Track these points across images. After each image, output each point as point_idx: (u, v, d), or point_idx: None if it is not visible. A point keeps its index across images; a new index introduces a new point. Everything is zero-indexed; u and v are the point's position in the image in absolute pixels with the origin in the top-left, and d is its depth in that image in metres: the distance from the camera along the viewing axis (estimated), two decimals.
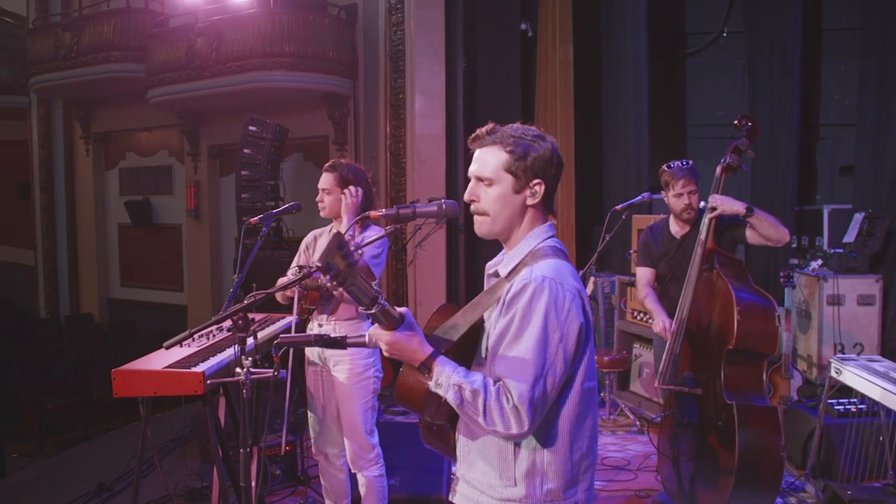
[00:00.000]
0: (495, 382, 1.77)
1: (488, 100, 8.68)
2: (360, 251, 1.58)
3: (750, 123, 3.89)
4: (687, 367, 3.85)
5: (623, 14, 7.82)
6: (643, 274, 4.28)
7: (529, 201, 1.89)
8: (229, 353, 3.28)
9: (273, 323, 4.08)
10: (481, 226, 1.93)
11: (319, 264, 1.50)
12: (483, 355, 1.91)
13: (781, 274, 5.30)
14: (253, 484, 3.62)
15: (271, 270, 7.27)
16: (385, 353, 1.81)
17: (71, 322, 12.69)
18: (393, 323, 1.77)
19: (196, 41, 9.86)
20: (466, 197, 1.93)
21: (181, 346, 3.47)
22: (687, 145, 8.60)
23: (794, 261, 6.74)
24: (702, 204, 4.04)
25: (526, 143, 1.88)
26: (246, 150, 8.32)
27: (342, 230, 3.54)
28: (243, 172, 8.34)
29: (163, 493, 4.65)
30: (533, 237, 1.91)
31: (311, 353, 3.72)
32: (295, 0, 9.72)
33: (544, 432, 1.83)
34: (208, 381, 2.70)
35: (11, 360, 9.86)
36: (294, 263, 3.73)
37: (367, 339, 1.86)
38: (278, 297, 3.51)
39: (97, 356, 10.10)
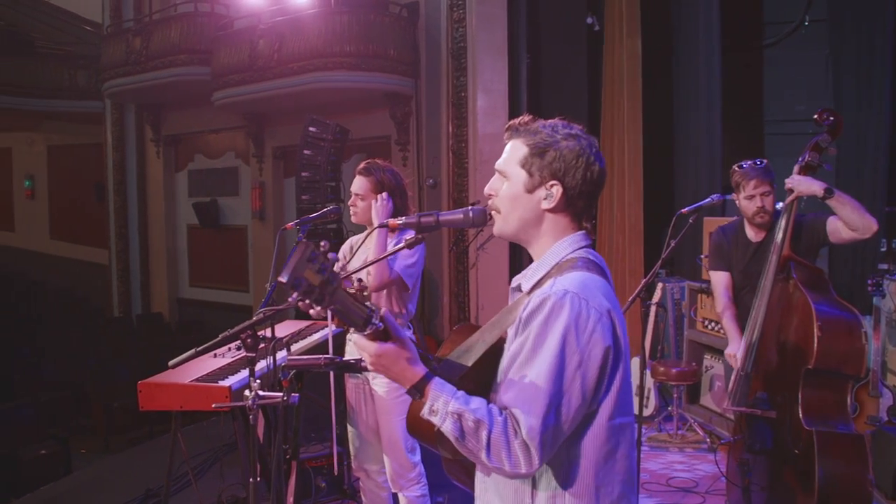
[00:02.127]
0: (501, 411, 1.52)
1: (553, 97, 8.40)
2: (356, 277, 1.35)
3: (832, 118, 3.51)
4: (760, 387, 3.50)
5: (695, 4, 7.41)
6: (719, 280, 3.88)
7: (545, 205, 1.65)
8: (261, 365, 3.11)
9: (315, 332, 3.92)
10: (495, 224, 1.72)
11: (283, 280, 1.26)
12: (498, 381, 1.65)
13: (869, 281, 4.86)
14: (290, 500, 3.47)
15: None
16: (370, 368, 1.56)
17: (142, 321, 12.95)
18: (384, 336, 1.52)
19: (258, 43, 9.87)
20: (486, 190, 1.72)
21: (214, 356, 3.34)
22: (764, 142, 8.14)
23: (884, 266, 6.22)
24: (778, 205, 3.68)
25: (551, 140, 1.64)
26: (306, 152, 8.25)
27: (365, 237, 3.37)
28: (304, 174, 8.27)
29: (209, 500, 4.55)
30: (562, 247, 1.67)
31: None
32: None
33: (564, 472, 1.59)
34: (214, 405, 2.52)
35: (84, 358, 10.07)
36: None
37: (361, 354, 1.63)
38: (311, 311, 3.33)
39: (164, 356, 10.19)
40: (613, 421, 1.58)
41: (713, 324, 6.04)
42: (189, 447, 4.34)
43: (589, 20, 8.31)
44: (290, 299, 1.25)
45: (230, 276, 12.75)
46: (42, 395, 8.49)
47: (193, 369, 3.09)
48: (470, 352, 1.65)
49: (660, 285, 6.34)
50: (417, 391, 1.53)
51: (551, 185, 1.64)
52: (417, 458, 3.45)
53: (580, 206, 1.68)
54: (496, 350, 1.66)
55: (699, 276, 6.30)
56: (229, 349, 3.42)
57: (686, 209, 3.94)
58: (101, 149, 14.15)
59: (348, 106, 10.03)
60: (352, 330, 3.29)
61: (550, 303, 1.52)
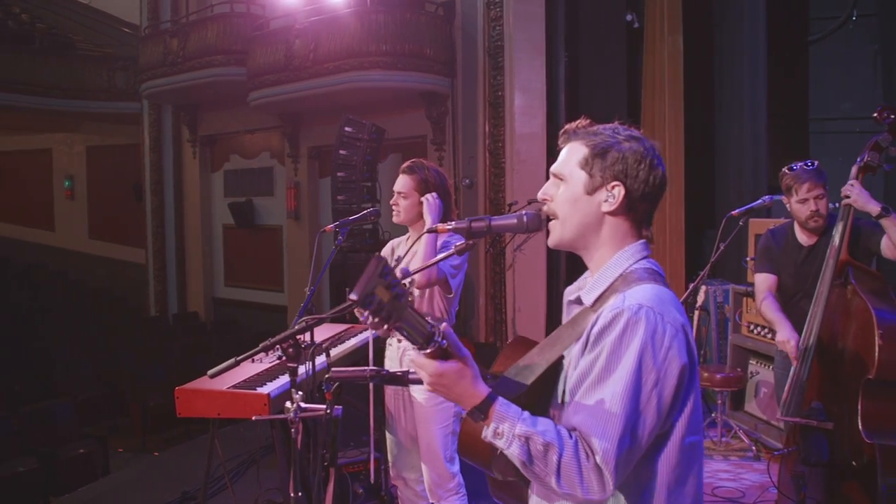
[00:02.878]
0: (571, 433, 1.43)
1: (591, 96, 8.28)
2: (407, 280, 1.25)
3: (893, 115, 3.35)
4: (815, 396, 3.35)
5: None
6: (763, 280, 3.75)
7: (605, 207, 1.57)
8: (300, 372, 3.04)
9: (353, 336, 3.85)
10: (552, 232, 1.63)
11: (354, 297, 1.18)
12: (559, 400, 1.57)
13: None
14: None
15: None
16: (428, 389, 1.45)
17: (178, 321, 13.03)
18: (444, 354, 1.42)
19: (294, 43, 9.86)
20: (539, 195, 1.63)
21: (252, 361, 3.28)
22: (809, 141, 7.93)
23: None
24: (832, 205, 3.53)
25: (612, 141, 1.57)
26: (342, 152, 8.22)
27: (412, 240, 3.29)
28: (339, 174, 8.24)
29: None
30: (624, 257, 1.58)
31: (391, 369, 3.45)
32: None
33: (634, 496, 1.50)
34: (254, 417, 2.45)
35: (122, 357, 10.15)
36: None
37: (418, 373, 1.54)
38: (356, 312, 3.24)
39: (199, 356, 10.26)
40: (685, 440, 1.50)
41: (758, 328, 5.86)
42: (225, 449, 4.29)
43: (628, 17, 8.17)
44: (361, 318, 1.17)
45: (265, 276, 12.78)
46: (80, 394, 8.55)
47: (230, 375, 3.02)
48: (529, 369, 1.55)
49: (703, 288, 6.19)
50: (480, 413, 1.43)
51: (613, 187, 1.56)
52: (456, 467, 3.36)
53: (641, 211, 1.59)
54: (556, 367, 1.57)
55: (744, 278, 6.12)
56: (267, 355, 3.35)
57: (737, 211, 3.82)
58: (138, 149, 14.28)
59: (384, 105, 9.98)
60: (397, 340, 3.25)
61: (625, 318, 1.44)
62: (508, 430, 1.41)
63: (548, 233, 1.66)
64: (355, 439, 4.93)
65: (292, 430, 1.80)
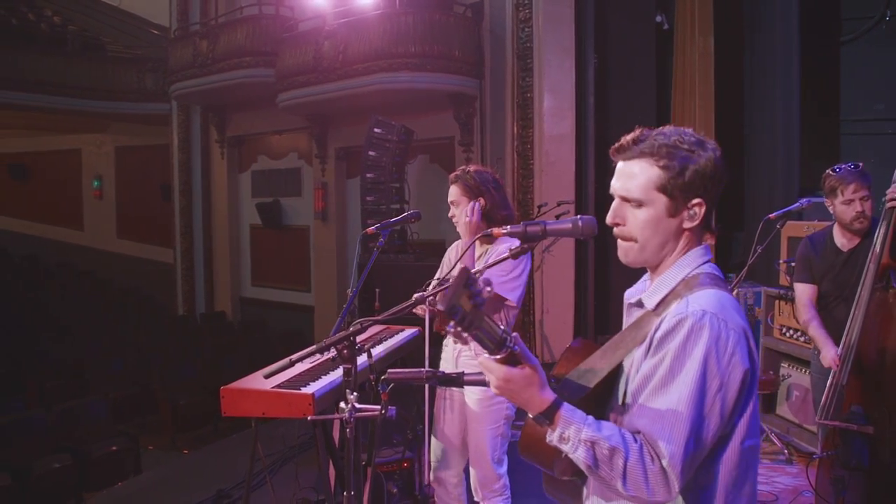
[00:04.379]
0: (635, 437, 1.46)
1: (621, 97, 8.26)
2: (488, 288, 1.29)
3: None
4: (855, 400, 3.34)
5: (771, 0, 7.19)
6: (803, 291, 3.75)
7: (687, 224, 1.58)
8: (339, 372, 3.07)
9: (391, 336, 3.87)
10: (627, 253, 1.62)
11: (441, 308, 1.23)
12: (620, 401, 1.59)
13: None
14: None
15: (394, 275, 7.06)
16: (495, 391, 1.49)
17: (205, 320, 13.16)
18: (514, 360, 1.46)
19: (323, 44, 9.93)
20: (610, 219, 1.62)
21: (290, 361, 3.32)
22: (840, 142, 7.84)
23: None
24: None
25: (683, 155, 1.56)
26: (371, 153, 8.26)
27: (462, 248, 3.30)
28: (368, 175, 8.28)
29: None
30: (686, 262, 1.60)
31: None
32: (420, 0, 9.59)
33: (693, 499, 1.52)
34: (309, 418, 2.49)
35: (151, 356, 10.27)
36: (436, 276, 3.48)
37: (486, 376, 1.58)
38: (416, 309, 3.25)
39: (228, 355, 10.37)
40: (745, 444, 1.52)
41: (791, 331, 5.82)
42: (262, 447, 4.34)
43: (658, 19, 8.15)
44: (448, 328, 1.21)
45: (292, 277, 12.87)
46: (111, 392, 8.67)
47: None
48: (592, 373, 1.58)
49: (734, 291, 6.15)
50: (546, 418, 1.47)
51: (694, 205, 1.57)
52: (503, 469, 3.37)
53: (710, 217, 1.62)
54: (617, 370, 1.60)
55: (776, 281, 6.07)
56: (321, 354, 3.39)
57: (774, 214, 3.81)
58: (167, 150, 14.45)
59: (412, 107, 10.01)
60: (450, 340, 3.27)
61: (689, 324, 1.46)
62: (574, 436, 1.44)
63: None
64: (388, 439, 4.97)
65: (348, 430, 1.83)
